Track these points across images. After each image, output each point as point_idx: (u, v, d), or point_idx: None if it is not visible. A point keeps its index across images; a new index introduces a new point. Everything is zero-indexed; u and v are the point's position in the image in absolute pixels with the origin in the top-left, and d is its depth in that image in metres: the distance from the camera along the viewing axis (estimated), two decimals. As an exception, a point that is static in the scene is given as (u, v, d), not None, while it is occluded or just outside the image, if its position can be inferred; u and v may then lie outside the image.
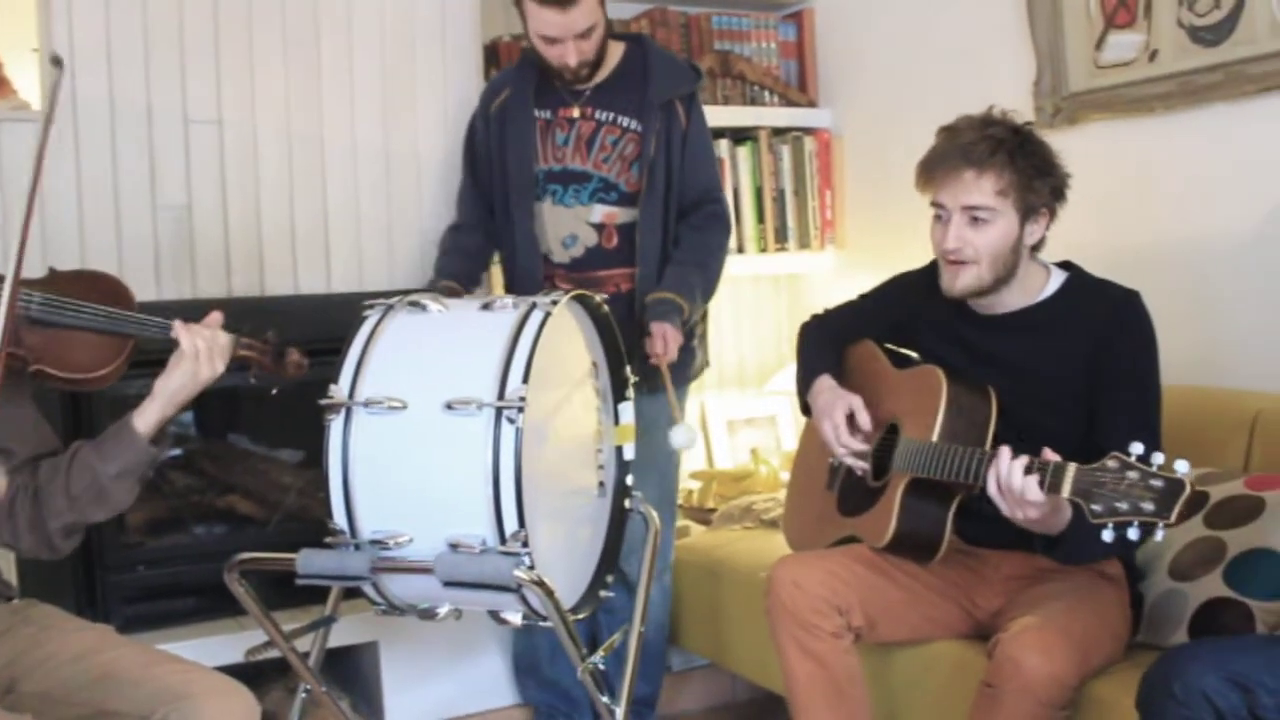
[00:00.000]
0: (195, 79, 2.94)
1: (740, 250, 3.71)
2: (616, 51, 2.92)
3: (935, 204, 2.27)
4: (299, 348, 2.25)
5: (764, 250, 3.76)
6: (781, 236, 3.79)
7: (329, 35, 3.09)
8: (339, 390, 2.09)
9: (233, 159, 3.00)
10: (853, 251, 3.83)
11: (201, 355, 2.02)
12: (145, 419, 2.01)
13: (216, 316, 2.08)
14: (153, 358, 2.09)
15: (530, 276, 2.87)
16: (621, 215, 2.88)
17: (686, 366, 2.90)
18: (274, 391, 2.23)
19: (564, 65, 2.77)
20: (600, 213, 2.88)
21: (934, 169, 2.25)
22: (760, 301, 3.97)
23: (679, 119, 2.86)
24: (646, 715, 3.06)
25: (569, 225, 2.89)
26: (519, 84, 2.91)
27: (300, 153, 3.07)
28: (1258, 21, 2.68)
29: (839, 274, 3.80)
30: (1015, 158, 2.19)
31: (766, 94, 3.84)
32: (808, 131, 3.83)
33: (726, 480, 3.51)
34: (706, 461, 3.75)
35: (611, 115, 2.86)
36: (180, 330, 2.03)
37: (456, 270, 2.88)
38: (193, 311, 2.11)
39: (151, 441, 2.02)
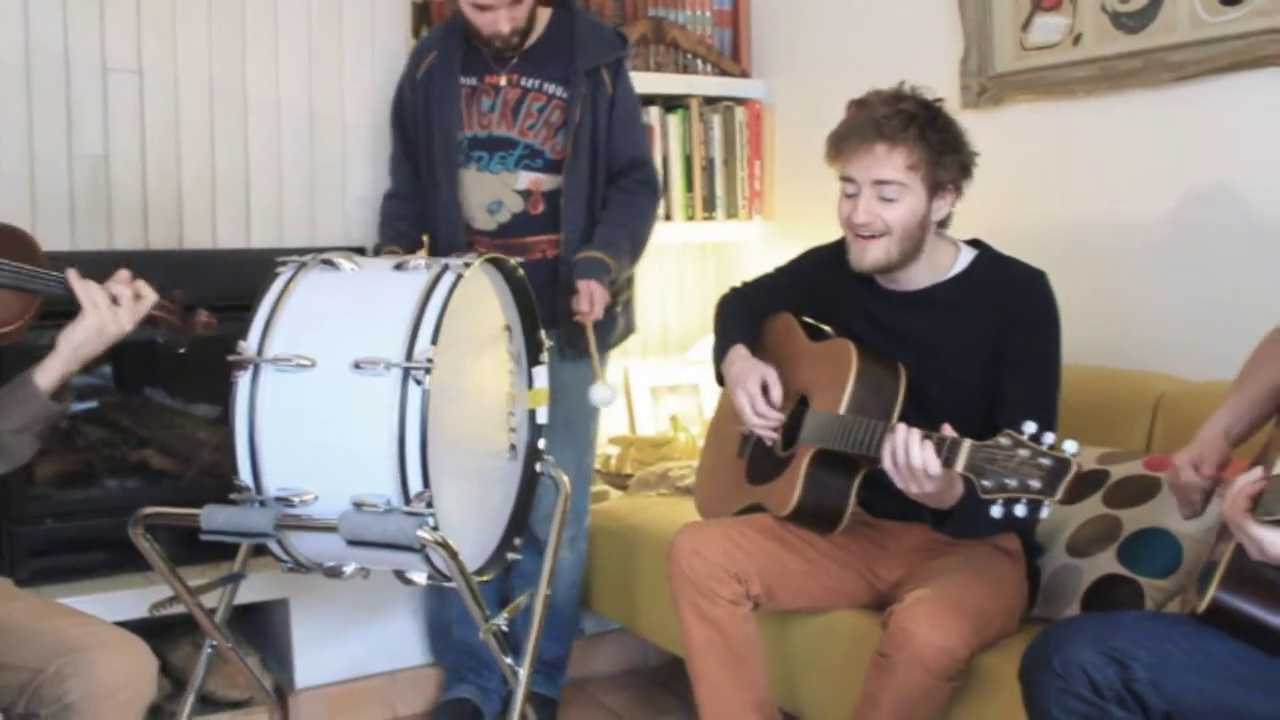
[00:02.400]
0: (115, 27, 2.89)
1: (668, 218, 3.71)
2: (543, 18, 2.90)
3: (845, 178, 2.28)
4: (207, 307, 2.23)
5: (691, 218, 3.76)
6: (710, 205, 3.80)
7: (254, -15, 3.05)
8: (247, 347, 2.09)
9: (152, 110, 2.96)
10: (780, 222, 3.85)
11: (104, 309, 1.97)
12: (47, 375, 1.97)
13: (124, 274, 2.05)
14: (72, 309, 2.04)
15: (451, 244, 2.85)
16: (547, 182, 2.87)
17: (608, 331, 2.91)
18: (181, 350, 2.21)
19: (495, 33, 2.76)
20: (526, 179, 2.87)
21: (845, 142, 2.26)
22: (686, 269, 3.98)
23: (605, 87, 2.86)
24: (557, 678, 3.09)
25: (494, 192, 2.89)
26: (445, 49, 2.89)
27: (222, 106, 3.04)
28: (1178, 11, 2.71)
29: (766, 244, 3.82)
30: (926, 133, 2.21)
31: (699, 62, 3.83)
32: (739, 101, 3.83)
33: (645, 446, 3.52)
34: (629, 427, 3.77)
35: (538, 82, 2.85)
36: (75, 282, 1.99)
37: (401, 236, 2.87)
38: (108, 263, 2.08)
39: (52, 397, 1.98)
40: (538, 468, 2.46)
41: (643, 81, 3.61)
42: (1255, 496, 1.47)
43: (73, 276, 1.99)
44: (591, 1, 3.66)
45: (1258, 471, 1.53)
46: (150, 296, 2.04)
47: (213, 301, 2.27)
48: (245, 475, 2.07)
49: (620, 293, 2.94)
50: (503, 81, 2.86)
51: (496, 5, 2.71)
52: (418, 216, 2.95)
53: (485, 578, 2.26)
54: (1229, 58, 2.58)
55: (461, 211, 2.90)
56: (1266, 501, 1.41)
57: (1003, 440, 1.82)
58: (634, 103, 2.95)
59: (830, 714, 2.42)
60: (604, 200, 2.88)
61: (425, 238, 2.97)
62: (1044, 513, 1.78)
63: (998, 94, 3.13)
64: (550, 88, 2.85)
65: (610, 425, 3.69)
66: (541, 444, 2.46)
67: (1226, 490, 1.55)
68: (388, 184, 3.03)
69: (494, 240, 2.89)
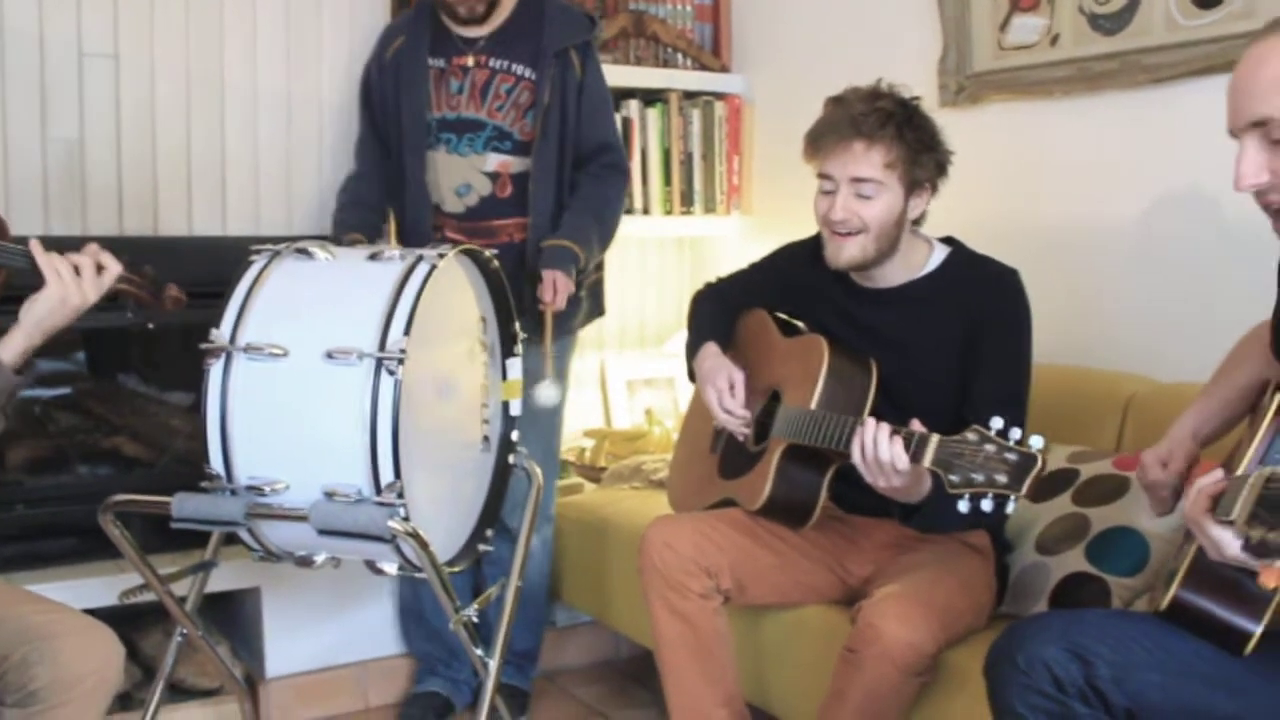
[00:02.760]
0: (91, 10, 2.87)
1: (646, 212, 3.72)
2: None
3: (823, 175, 2.28)
4: (181, 283, 2.22)
5: (669, 213, 3.77)
6: (688, 200, 3.80)
7: (232, -30, 3.03)
8: (220, 335, 2.08)
9: (128, 94, 2.94)
10: (758, 217, 3.86)
11: (67, 280, 1.94)
12: (10, 348, 1.94)
13: (93, 248, 2.03)
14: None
15: (420, 227, 2.86)
16: (516, 164, 2.87)
17: (571, 317, 2.90)
18: (150, 325, 2.20)
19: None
20: (494, 161, 2.87)
21: (822, 139, 2.27)
22: (664, 263, 3.98)
23: (574, 69, 2.85)
24: (528, 669, 3.09)
25: (463, 174, 2.88)
26: (414, 32, 2.89)
27: (199, 91, 3.01)
28: (1154, 14, 2.73)
29: (743, 239, 3.83)
30: (904, 131, 2.22)
31: (679, 56, 3.84)
32: (719, 96, 3.84)
33: (619, 440, 3.53)
34: (604, 420, 3.77)
35: (506, 63, 2.85)
36: (38, 253, 1.96)
37: (358, 223, 2.86)
38: (81, 247, 2.05)
39: (16, 371, 1.96)
40: (510, 459, 2.46)
41: (622, 75, 3.62)
42: (1216, 497, 1.48)
43: (35, 247, 1.97)
44: (573, -5, 3.66)
45: (1219, 473, 1.54)
46: (114, 268, 2.01)
47: (187, 288, 2.25)
48: (216, 463, 2.07)
49: (587, 276, 2.94)
50: (471, 62, 2.86)
51: None
52: (379, 200, 2.94)
53: (456, 569, 2.26)
54: (1204, 61, 2.60)
55: (429, 194, 2.90)
56: (1225, 502, 1.42)
57: (970, 435, 1.83)
58: (603, 86, 2.94)
59: (800, 709, 2.43)
60: (572, 185, 2.88)
61: (392, 224, 2.97)
62: (1010, 508, 1.79)
63: (975, 93, 3.15)
64: (519, 69, 2.85)
65: (585, 418, 3.70)
66: (515, 435, 2.46)
67: (1189, 489, 1.56)
68: (339, 173, 3.03)
69: (462, 223, 2.89)
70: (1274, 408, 1.65)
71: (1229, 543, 1.44)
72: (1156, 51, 2.72)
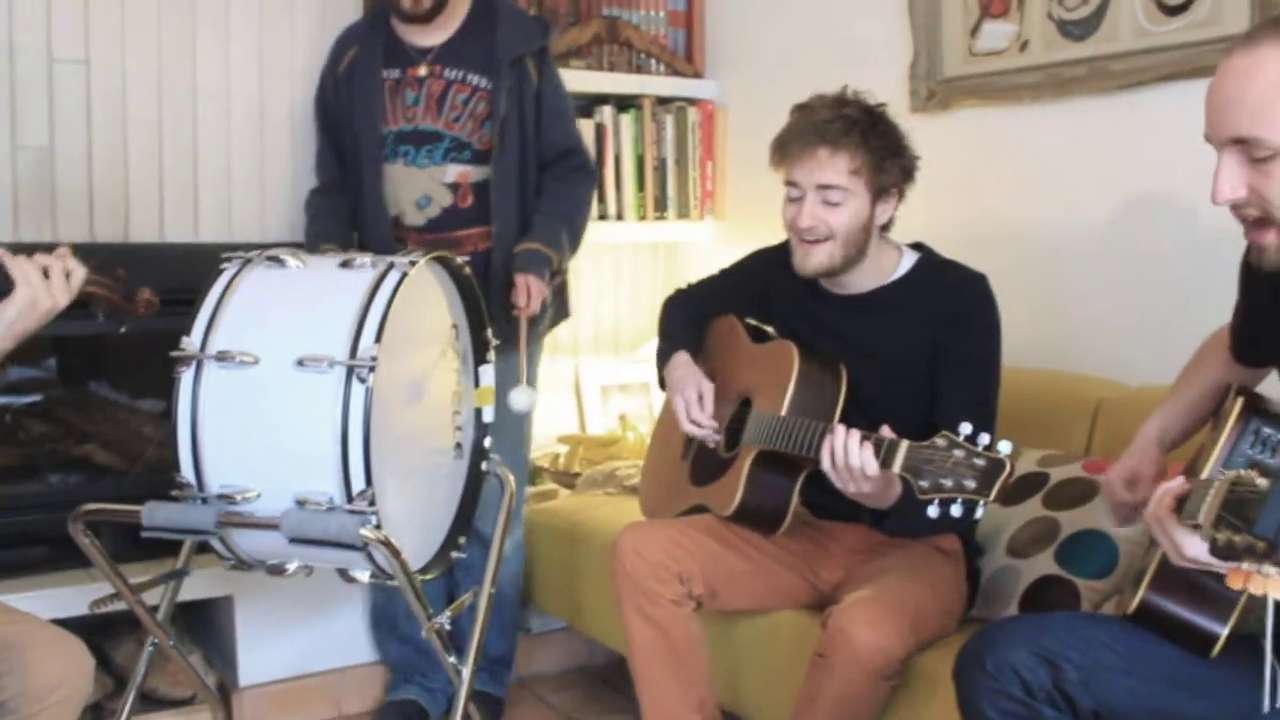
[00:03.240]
0: (62, 15, 2.86)
1: (619, 218, 3.72)
2: (463, 7, 2.88)
3: (789, 182, 2.30)
4: (153, 288, 2.21)
5: (643, 218, 3.77)
6: (661, 205, 3.81)
7: (205, -23, 3.02)
8: (190, 342, 2.08)
9: (100, 101, 2.93)
10: (732, 222, 3.87)
11: (35, 283, 1.92)
12: None
13: (63, 250, 2.01)
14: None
15: (379, 241, 2.84)
16: (475, 174, 2.86)
17: (539, 321, 2.90)
18: (122, 330, 2.19)
19: None
20: (454, 172, 2.86)
21: (788, 147, 2.28)
22: (638, 269, 3.99)
23: (530, 77, 2.85)
24: (502, 676, 3.09)
25: (423, 186, 2.87)
26: (367, 42, 2.87)
27: (171, 97, 3.01)
28: (1122, 20, 2.75)
29: (717, 244, 3.84)
30: (869, 137, 2.23)
31: (653, 62, 3.85)
32: (692, 102, 3.85)
33: (593, 445, 3.53)
34: (578, 426, 3.77)
35: (461, 73, 2.84)
36: (4, 257, 1.94)
37: (331, 233, 2.85)
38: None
39: None
40: (483, 466, 2.46)
41: (595, 80, 3.63)
42: (1181, 498, 1.50)
43: (2, 252, 1.96)
44: (545, 1, 3.66)
45: (1183, 478, 1.56)
46: (79, 272, 1.99)
47: (159, 296, 2.24)
48: (188, 472, 2.07)
49: (555, 280, 2.94)
50: (424, 73, 2.84)
51: None
52: (345, 211, 2.93)
53: (428, 576, 2.26)
54: (1171, 67, 2.62)
55: (387, 208, 2.88)
56: (1191, 506, 1.43)
57: (939, 441, 1.84)
58: (561, 91, 2.94)
59: (772, 713, 2.43)
60: (539, 189, 2.88)
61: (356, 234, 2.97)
62: (979, 513, 1.80)
63: (946, 98, 3.16)
64: (474, 79, 2.83)
65: (559, 424, 3.70)
66: (488, 442, 2.46)
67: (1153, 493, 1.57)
68: (313, 180, 3.02)
69: (424, 236, 2.88)
70: (1235, 411, 1.67)
71: (1191, 545, 1.46)
72: (1124, 57, 2.74)
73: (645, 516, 2.66)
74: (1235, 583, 1.30)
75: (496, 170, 2.82)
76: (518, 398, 2.61)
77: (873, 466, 1.94)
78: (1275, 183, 1.48)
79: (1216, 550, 1.32)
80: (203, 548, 2.28)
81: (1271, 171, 1.48)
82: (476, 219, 2.86)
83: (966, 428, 1.82)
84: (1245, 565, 1.28)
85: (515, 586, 3.09)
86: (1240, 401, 1.68)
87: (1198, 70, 2.56)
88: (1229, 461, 1.64)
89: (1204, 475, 1.61)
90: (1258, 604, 1.34)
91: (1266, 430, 1.65)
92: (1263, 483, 1.28)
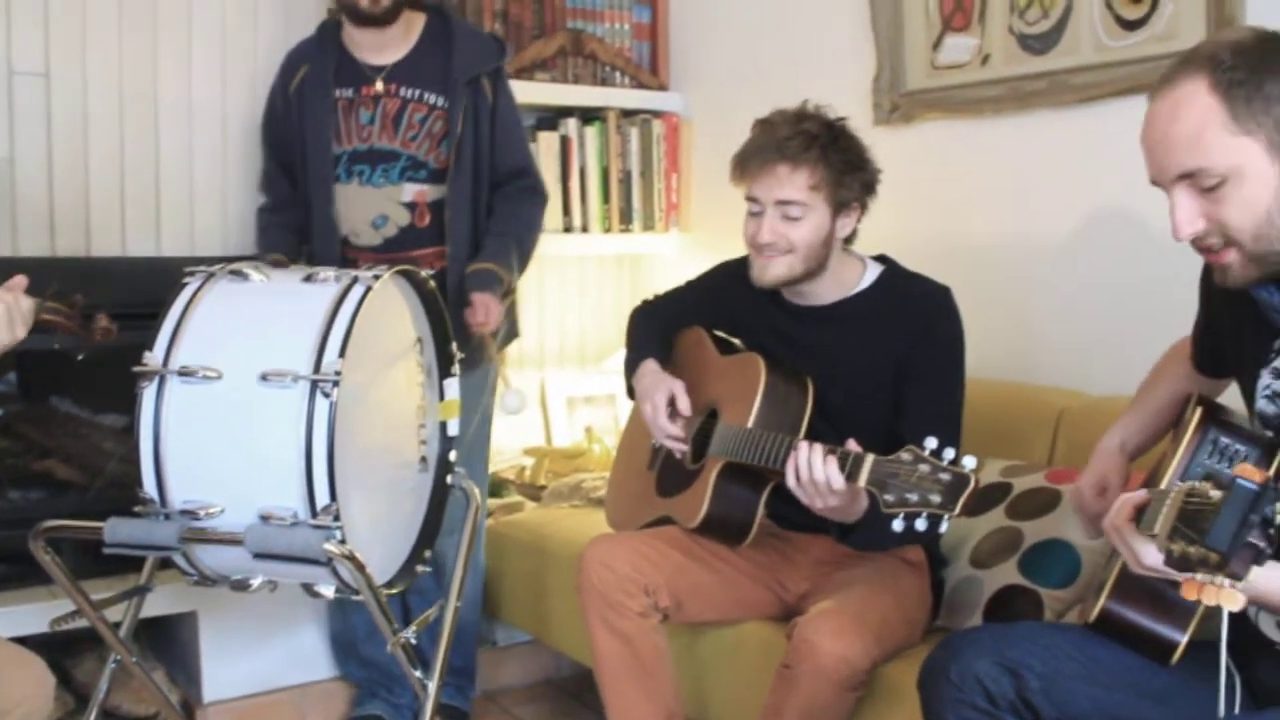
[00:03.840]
0: (21, 27, 2.84)
1: (585, 230, 3.73)
2: (418, 23, 2.88)
3: (750, 198, 2.31)
4: (108, 312, 2.19)
5: (608, 230, 3.78)
6: (626, 217, 3.82)
7: (167, -11, 3.01)
8: (153, 358, 2.07)
9: (60, 113, 2.91)
10: (697, 234, 3.88)
11: None
12: None
13: (19, 280, 2.00)
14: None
15: (328, 261, 2.80)
16: (432, 193, 2.84)
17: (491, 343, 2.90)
18: (80, 357, 2.18)
19: None
20: (411, 191, 2.84)
21: (748, 163, 2.29)
22: (603, 281, 3.99)
23: (486, 96, 2.84)
24: (467, 689, 3.08)
25: (379, 205, 2.85)
26: (318, 61, 2.84)
27: (133, 110, 2.99)
28: (1081, 34, 2.78)
29: (682, 256, 3.85)
30: (828, 153, 2.24)
31: (617, 75, 3.86)
32: (657, 114, 3.86)
33: (559, 458, 3.53)
34: (544, 438, 3.77)
35: (417, 92, 2.82)
36: None
37: (280, 243, 2.83)
38: (11, 269, 2.03)
39: None
40: (449, 479, 2.46)
41: (560, 93, 3.64)
42: (1140, 508, 1.51)
43: None
44: (510, 12, 3.66)
45: (1143, 490, 1.57)
46: (26, 303, 1.98)
47: (121, 310, 2.23)
48: (150, 488, 2.05)
49: (505, 300, 2.94)
50: (380, 90, 2.83)
51: None
52: (297, 226, 2.91)
53: (394, 590, 2.25)
54: (1129, 80, 2.65)
55: (338, 228, 2.86)
56: (1148, 516, 1.45)
57: (904, 455, 1.85)
58: (515, 110, 2.93)
59: (739, 724, 2.44)
60: (490, 209, 2.87)
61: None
62: (944, 527, 1.81)
63: (909, 111, 3.19)
64: (430, 97, 2.82)
65: (525, 436, 3.69)
66: (453, 456, 2.46)
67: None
68: (261, 199, 3.00)
69: (380, 255, 2.84)
70: (1194, 421, 1.69)
71: (1148, 554, 1.47)
72: (1084, 71, 2.78)
73: (611, 528, 2.66)
74: (1189, 593, 1.31)
75: (452, 190, 2.81)
76: (509, 400, 2.59)
77: (838, 480, 1.95)
78: (1230, 206, 1.51)
79: (1171, 561, 1.34)
80: (166, 563, 2.27)
81: (1224, 196, 1.51)
82: (432, 238, 2.85)
83: (932, 442, 1.83)
84: (1199, 576, 1.30)
85: (475, 597, 3.08)
86: (1199, 412, 1.70)
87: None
88: (1188, 472, 1.66)
89: (1163, 485, 1.63)
90: (1216, 611, 1.35)
91: (1225, 440, 1.67)
92: (1216, 494, 1.30)
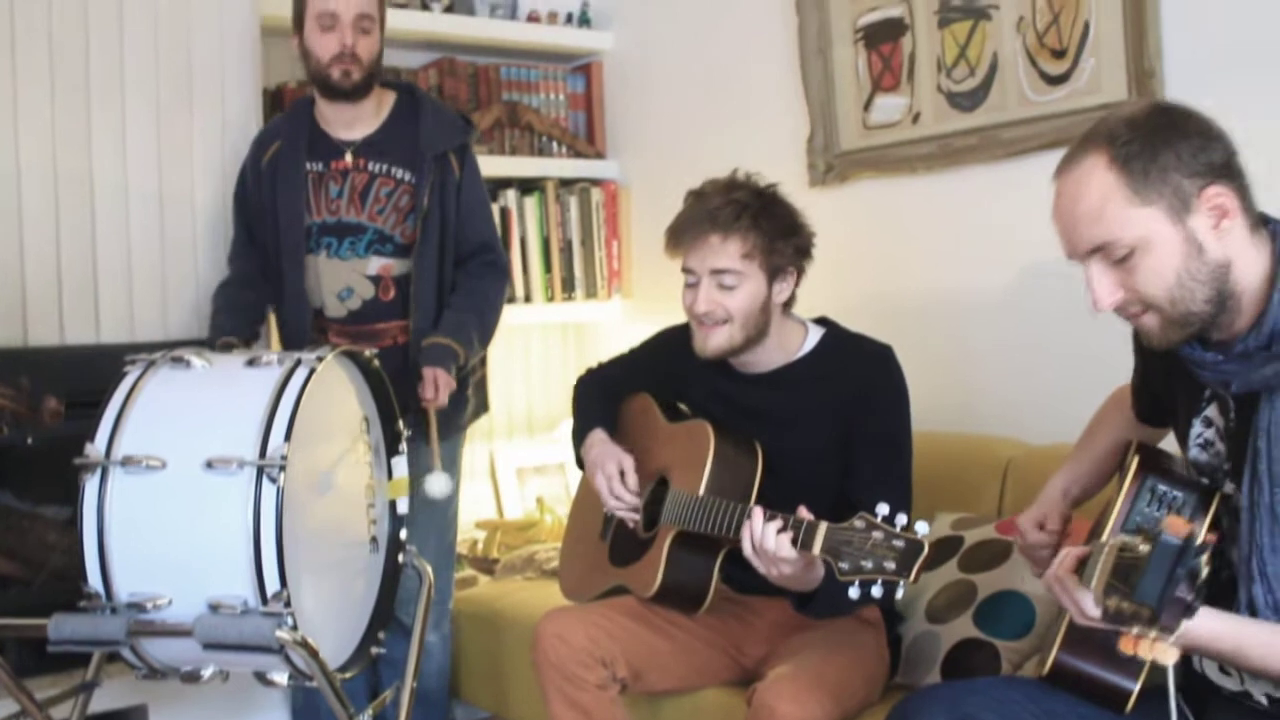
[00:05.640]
0: (-49, 108, 2.82)
1: (528, 299, 3.75)
2: (388, 100, 2.92)
3: (685, 269, 2.33)
4: (56, 395, 2.17)
5: (551, 299, 3.80)
6: (569, 286, 3.84)
7: (99, 69, 2.96)
8: (95, 449, 2.05)
9: (-8, 198, 2.87)
10: (640, 300, 3.90)
11: None
12: None
13: None
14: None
15: (300, 332, 2.83)
16: (397, 267, 2.86)
17: (459, 414, 2.90)
18: (29, 441, 2.16)
19: (342, 48, 2.74)
20: (376, 265, 2.86)
21: (682, 235, 2.32)
22: (549, 350, 4.00)
23: (452, 171, 2.87)
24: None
25: (345, 278, 2.87)
26: (291, 135, 2.88)
27: (67, 193, 2.94)
28: (1007, 90, 2.85)
29: (626, 322, 3.87)
30: (759, 220, 2.26)
31: (554, 144, 3.89)
32: (595, 182, 3.90)
33: (511, 530, 3.51)
34: (495, 511, 3.75)
35: (385, 166, 2.85)
36: None
37: (232, 327, 2.82)
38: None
39: None
40: (400, 558, 2.44)
41: (498, 165, 3.66)
42: (1082, 560, 1.53)
43: None
44: (445, 86, 3.69)
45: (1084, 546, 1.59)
46: None
47: (62, 400, 2.20)
48: (95, 582, 2.02)
49: (472, 373, 2.94)
50: (349, 164, 2.86)
51: (344, 15, 2.72)
52: (251, 304, 2.91)
53: (348, 674, 2.22)
54: (1055, 134, 2.71)
55: (309, 300, 2.88)
56: (1088, 569, 1.46)
57: (857, 523, 1.86)
58: (480, 187, 2.96)
59: (702, 792, 2.42)
60: (453, 285, 2.89)
61: (274, 329, 2.94)
62: (900, 593, 1.83)
63: (844, 171, 3.24)
64: (398, 172, 2.85)
65: (477, 509, 3.67)
66: (403, 534, 2.44)
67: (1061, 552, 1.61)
68: (218, 274, 2.99)
69: (346, 327, 2.87)
70: (1132, 470, 1.71)
71: (1090, 606, 1.49)
72: (1011, 126, 2.84)
73: (566, 598, 2.65)
74: (1127, 647, 1.33)
75: (418, 264, 2.82)
76: (434, 484, 2.58)
77: (788, 550, 1.96)
78: (1143, 273, 1.56)
79: (1107, 616, 1.35)
80: (114, 656, 2.22)
81: (1135, 266, 1.56)
82: (396, 312, 2.86)
83: (884, 508, 1.85)
84: (1135, 631, 1.32)
85: (442, 680, 3.04)
86: (1136, 461, 1.73)
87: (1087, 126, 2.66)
88: (1128, 520, 1.68)
89: (1105, 535, 1.66)
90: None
91: (1163, 488, 1.69)
92: (1145, 548, 1.31)
